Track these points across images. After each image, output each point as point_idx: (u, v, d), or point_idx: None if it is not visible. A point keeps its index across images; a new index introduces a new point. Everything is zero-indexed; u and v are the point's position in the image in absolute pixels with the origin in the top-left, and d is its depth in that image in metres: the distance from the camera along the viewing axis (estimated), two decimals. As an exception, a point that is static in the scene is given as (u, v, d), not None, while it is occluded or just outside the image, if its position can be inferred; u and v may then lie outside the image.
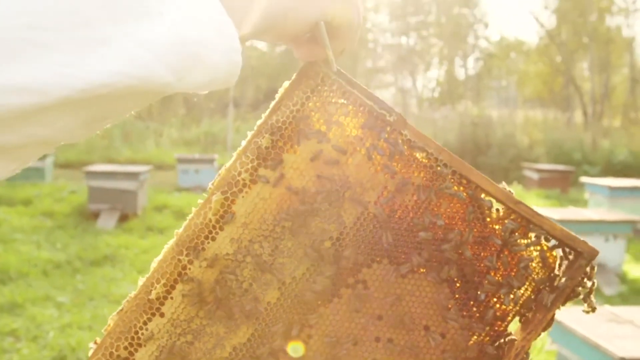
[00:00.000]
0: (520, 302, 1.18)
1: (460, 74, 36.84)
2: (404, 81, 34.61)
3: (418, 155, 1.16)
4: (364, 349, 1.18)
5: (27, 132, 0.71)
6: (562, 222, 9.10)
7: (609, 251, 9.18)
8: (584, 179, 12.81)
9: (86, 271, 8.38)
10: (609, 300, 7.77)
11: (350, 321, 1.17)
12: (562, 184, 16.13)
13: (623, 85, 34.56)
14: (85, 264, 8.64)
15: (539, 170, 16.51)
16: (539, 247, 1.17)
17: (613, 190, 11.82)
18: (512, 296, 1.17)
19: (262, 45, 36.95)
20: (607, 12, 33.08)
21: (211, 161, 14.88)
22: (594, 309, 1.17)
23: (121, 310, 1.17)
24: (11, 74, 0.65)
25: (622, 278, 9.13)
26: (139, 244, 9.58)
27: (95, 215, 11.18)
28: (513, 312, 1.19)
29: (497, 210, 1.17)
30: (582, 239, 1.18)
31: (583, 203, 13.15)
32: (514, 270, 1.17)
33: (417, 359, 1.18)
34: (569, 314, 5.35)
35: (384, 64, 34.34)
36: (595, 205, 11.94)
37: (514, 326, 1.21)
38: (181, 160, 14.86)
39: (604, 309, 5.60)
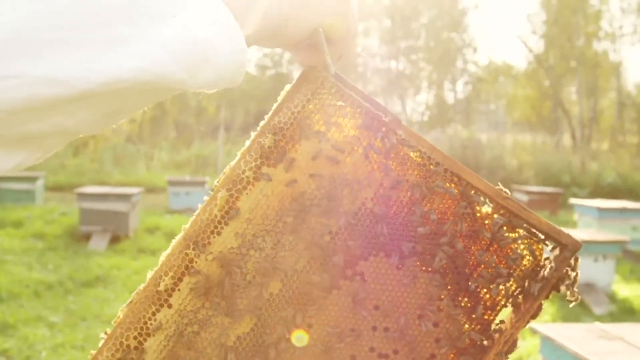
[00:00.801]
0: (509, 292, 1.25)
1: (449, 97, 37.09)
2: (394, 105, 34.80)
3: (412, 154, 1.23)
4: (361, 338, 1.24)
5: (54, 121, 0.78)
6: (551, 242, 9.18)
7: (599, 271, 9.26)
8: (573, 201, 12.93)
9: (78, 292, 8.39)
10: (599, 320, 7.83)
11: (349, 312, 1.24)
12: (551, 205, 16.25)
13: (611, 109, 34.84)
14: (77, 285, 8.65)
15: (528, 192, 16.62)
16: (526, 241, 1.24)
17: (602, 211, 11.94)
18: (501, 287, 1.24)
19: (251, 69, 37.13)
20: (594, 37, 33.43)
21: (202, 184, 14.94)
22: (577, 299, 1.24)
23: (131, 302, 1.23)
24: (42, 68, 0.72)
25: (612, 298, 9.21)
26: (130, 265, 9.61)
27: (87, 237, 11.20)
28: (502, 302, 1.25)
29: (487, 206, 1.24)
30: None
31: (572, 224, 13.24)
32: (503, 262, 1.24)
33: (412, 347, 1.24)
34: (559, 331, 5.41)
35: (374, 87, 34.54)
36: (584, 227, 12.05)
37: (503, 315, 1.27)
38: (172, 183, 14.91)
39: (594, 326, 5.66)
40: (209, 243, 1.22)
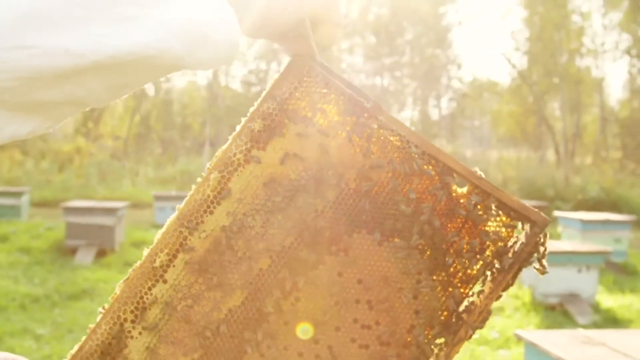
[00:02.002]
0: (483, 267, 1.34)
1: (434, 114, 37.35)
2: (379, 121, 34.85)
3: (392, 138, 1.32)
4: (345, 310, 1.32)
5: (66, 90, 0.86)
6: (535, 252, 9.28)
7: (582, 282, 9.38)
8: (557, 213, 13.09)
9: (65, 305, 8.42)
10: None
11: (333, 285, 1.32)
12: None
13: (594, 124, 35.16)
14: (64, 298, 8.68)
15: (512, 206, 16.70)
16: (498, 218, 1.33)
17: (585, 223, 12.10)
18: (475, 262, 1.33)
19: (237, 85, 37.26)
20: (576, 53, 33.79)
21: (188, 198, 14.95)
22: (545, 270, 1.33)
23: (127, 278, 1.31)
24: (57, 40, 0.81)
25: (595, 308, 9.32)
26: (117, 279, 9.63)
27: (73, 251, 11.22)
28: (476, 276, 1.34)
29: (462, 186, 1.33)
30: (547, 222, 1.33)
31: (556, 236, 13.39)
32: (477, 238, 1.33)
33: (393, 318, 1.32)
34: (544, 338, 5.50)
35: (359, 104, 34.58)
36: (568, 239, 12.20)
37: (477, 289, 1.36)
38: (158, 198, 14.96)
39: (577, 332, 5.76)
40: (202, 222, 1.30)
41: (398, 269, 1.33)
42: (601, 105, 34.75)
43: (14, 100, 0.82)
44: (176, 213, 1.31)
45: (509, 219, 1.34)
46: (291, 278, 1.31)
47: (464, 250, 1.33)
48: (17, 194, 14.73)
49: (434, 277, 1.34)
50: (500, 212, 1.34)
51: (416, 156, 1.31)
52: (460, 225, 1.34)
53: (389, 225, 1.32)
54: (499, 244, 1.34)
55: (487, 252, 1.34)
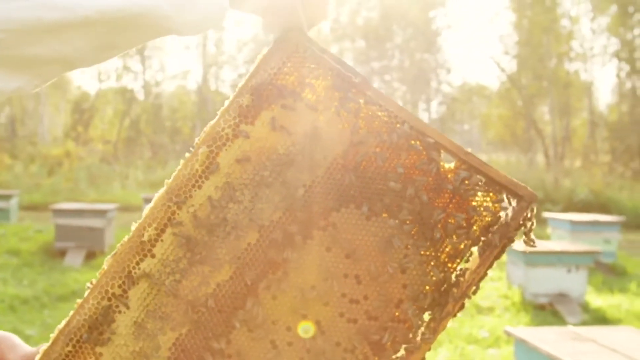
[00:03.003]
0: (471, 241, 1.34)
1: (423, 117, 37.41)
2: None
3: (380, 113, 1.33)
4: (334, 285, 1.32)
5: (53, 47, 0.86)
6: (526, 253, 9.34)
7: (572, 282, 9.41)
8: (546, 214, 13.12)
9: (54, 306, 8.39)
10: (572, 328, 7.96)
11: (322, 260, 1.32)
12: (525, 221, 16.40)
13: (583, 128, 35.28)
14: (53, 299, 8.65)
15: (502, 208, 16.75)
16: (486, 193, 1.34)
17: (575, 224, 12.14)
18: (463, 236, 1.33)
19: (226, 90, 37.21)
20: (565, 57, 33.92)
21: (178, 201, 14.93)
22: (533, 243, 1.34)
23: (115, 253, 1.31)
24: None
25: (585, 307, 9.35)
26: (106, 280, 9.59)
27: (62, 253, 11.18)
28: (464, 251, 1.34)
29: (450, 161, 1.34)
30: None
31: (546, 237, 13.42)
32: (465, 213, 1.34)
33: (381, 292, 1.33)
34: (533, 334, 5.52)
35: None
36: (557, 239, 12.23)
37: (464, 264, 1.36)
38: (148, 200, 14.90)
39: (567, 329, 5.78)
40: (191, 196, 1.30)
41: (386, 244, 1.33)
42: (590, 109, 34.89)
43: (1, 53, 0.82)
44: (164, 188, 1.31)
45: (496, 194, 1.35)
46: (279, 253, 1.31)
47: (452, 225, 1.33)
48: (6, 197, 14.67)
49: (422, 252, 1.34)
50: (487, 187, 1.34)
51: (404, 131, 1.32)
52: (448, 200, 1.34)
53: (376, 200, 1.33)
54: (487, 218, 1.35)
55: (475, 227, 1.34)
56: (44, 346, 1.31)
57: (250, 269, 1.31)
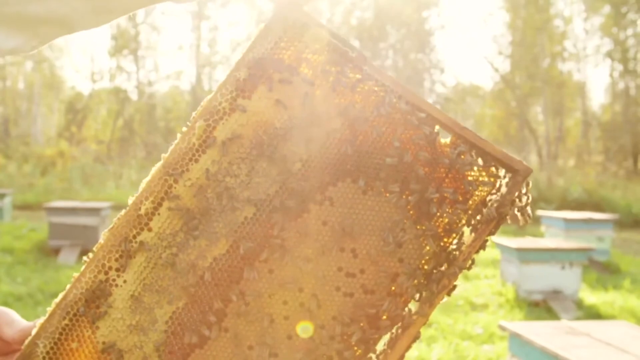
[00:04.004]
0: (467, 215, 1.34)
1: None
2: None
3: (376, 88, 1.33)
4: (330, 259, 1.33)
5: (51, 6, 0.86)
6: (519, 250, 9.35)
7: (566, 279, 9.42)
8: (540, 212, 13.13)
9: (48, 303, 8.36)
10: (565, 324, 7.98)
11: (318, 233, 1.32)
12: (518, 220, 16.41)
13: (576, 128, 35.33)
14: (47, 296, 8.63)
15: (496, 207, 16.75)
16: (481, 167, 1.34)
17: (568, 222, 12.15)
18: (459, 210, 1.33)
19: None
20: (559, 57, 33.97)
21: (172, 200, 14.89)
22: (530, 218, 1.34)
23: (112, 227, 1.31)
24: None
25: (579, 304, 9.37)
26: (100, 278, 9.58)
27: (56, 252, 11.16)
28: (460, 225, 1.34)
29: (446, 136, 1.34)
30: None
31: (540, 235, 13.45)
32: (461, 188, 1.34)
33: (377, 266, 1.33)
34: (528, 328, 5.53)
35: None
36: (551, 237, 12.24)
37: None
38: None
39: (561, 324, 5.79)
40: (188, 170, 1.30)
41: (382, 217, 1.34)
42: (583, 109, 34.96)
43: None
44: (161, 161, 1.31)
45: (492, 168, 1.35)
46: (277, 225, 1.32)
47: (447, 200, 1.34)
48: (1, 195, 14.64)
49: (418, 227, 1.34)
50: (483, 162, 1.35)
51: (400, 106, 1.32)
52: (444, 174, 1.34)
53: (373, 174, 1.33)
54: (482, 193, 1.35)
55: (471, 202, 1.35)
56: (41, 320, 1.31)
57: (247, 243, 1.31)
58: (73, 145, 31.96)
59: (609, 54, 33.79)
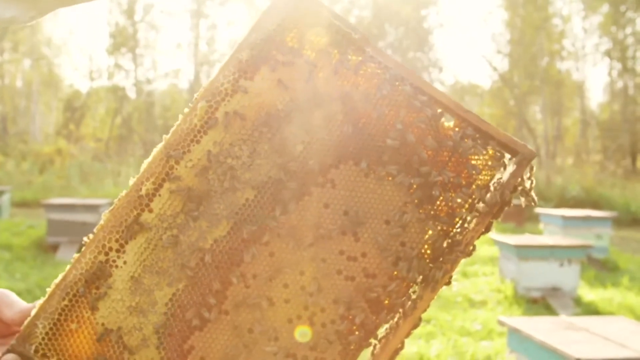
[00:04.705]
0: (470, 199, 1.33)
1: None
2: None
3: (379, 70, 1.32)
4: (332, 242, 1.32)
5: None
6: (518, 247, 9.35)
7: (564, 276, 9.42)
8: (538, 210, 13.14)
9: (46, 299, 8.35)
10: (564, 320, 7.97)
11: (320, 216, 1.31)
12: (517, 218, 16.45)
13: (575, 127, 35.33)
14: (45, 293, 8.61)
15: (494, 205, 16.74)
16: (485, 151, 1.33)
17: (566, 219, 12.15)
18: (461, 194, 1.32)
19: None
20: (557, 55, 33.96)
21: (170, 197, 14.88)
22: (534, 201, 1.33)
23: (113, 207, 1.30)
24: None
25: (577, 301, 9.36)
26: (99, 274, 9.56)
27: (54, 248, 11.15)
28: (464, 209, 1.33)
29: (449, 118, 1.33)
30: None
31: (538, 233, 13.44)
32: (464, 172, 1.33)
33: (379, 250, 1.32)
34: (526, 324, 5.52)
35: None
36: (550, 235, 12.23)
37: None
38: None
39: (560, 319, 5.78)
40: (189, 151, 1.29)
41: (384, 200, 1.33)
42: (582, 108, 34.96)
43: None
44: (163, 142, 1.30)
45: (495, 152, 1.34)
46: (278, 208, 1.31)
47: (451, 183, 1.33)
48: (-1, 192, 14.63)
49: (420, 210, 1.33)
50: (487, 145, 1.33)
51: (403, 88, 1.31)
52: (447, 158, 1.33)
53: (375, 156, 1.32)
54: (486, 177, 1.34)
55: (474, 186, 1.34)
56: (41, 301, 1.30)
57: (248, 225, 1.30)
58: (71, 143, 31.93)
59: (608, 53, 33.80)
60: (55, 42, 38.45)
